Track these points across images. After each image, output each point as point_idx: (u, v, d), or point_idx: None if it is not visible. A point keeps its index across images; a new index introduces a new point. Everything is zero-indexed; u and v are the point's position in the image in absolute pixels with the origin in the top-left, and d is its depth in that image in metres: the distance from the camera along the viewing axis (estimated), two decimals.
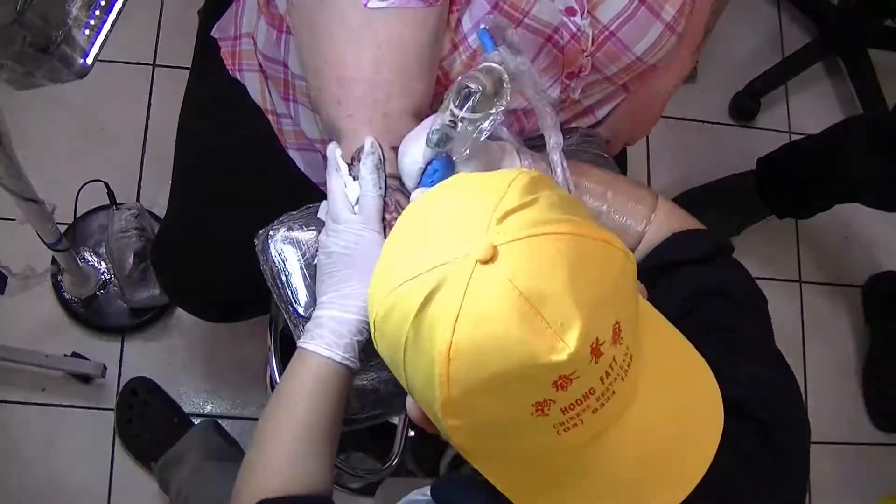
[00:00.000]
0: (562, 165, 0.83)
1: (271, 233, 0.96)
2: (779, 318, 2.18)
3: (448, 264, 0.58)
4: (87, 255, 1.70)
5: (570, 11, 0.92)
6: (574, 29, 0.93)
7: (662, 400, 0.63)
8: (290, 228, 0.96)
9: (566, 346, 0.55)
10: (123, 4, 0.94)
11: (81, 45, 0.92)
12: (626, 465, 0.62)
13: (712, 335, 0.76)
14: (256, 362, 1.61)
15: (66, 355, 1.64)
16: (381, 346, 0.64)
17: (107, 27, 0.94)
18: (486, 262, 0.57)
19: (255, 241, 0.97)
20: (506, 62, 0.76)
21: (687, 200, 1.95)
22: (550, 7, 0.90)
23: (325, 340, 0.81)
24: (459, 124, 0.75)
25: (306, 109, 1.09)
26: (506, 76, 0.75)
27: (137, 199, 1.76)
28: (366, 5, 0.81)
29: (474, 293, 0.57)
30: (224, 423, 1.67)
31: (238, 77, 1.14)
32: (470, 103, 0.74)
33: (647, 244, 0.87)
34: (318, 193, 1.11)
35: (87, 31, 0.93)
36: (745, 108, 2.09)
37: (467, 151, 0.77)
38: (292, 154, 1.14)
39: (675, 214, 0.88)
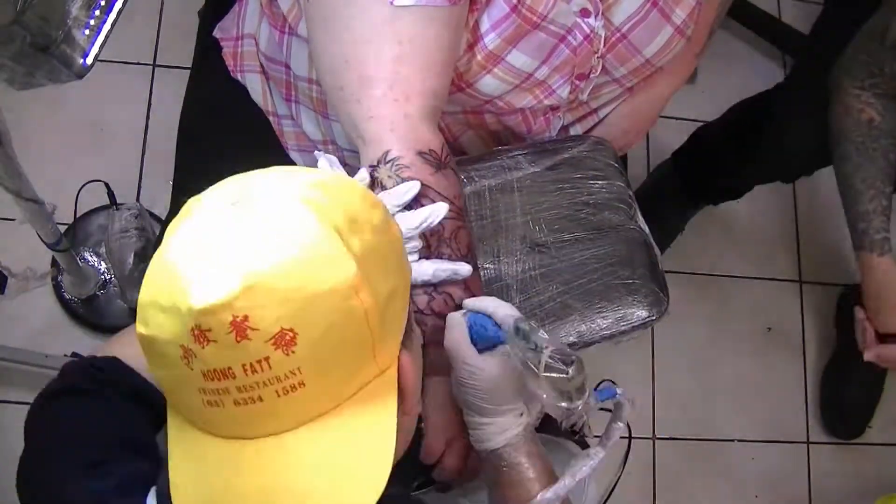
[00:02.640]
0: (570, 481, 0.79)
1: None
2: (779, 317, 2.18)
3: (212, 193, 0.62)
4: (87, 255, 1.70)
5: (584, 13, 0.92)
6: (587, 30, 0.93)
7: (313, 462, 0.60)
8: None
9: (209, 296, 0.55)
10: (123, 4, 0.94)
11: (81, 45, 0.92)
12: (260, 487, 0.59)
13: None
14: None
15: (65, 355, 1.64)
16: None
17: (107, 27, 0.94)
18: (233, 203, 0.59)
19: None
20: (585, 409, 0.73)
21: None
22: (566, 9, 0.91)
23: None
24: (531, 352, 0.72)
25: (308, 110, 1.09)
26: (579, 407, 0.72)
27: (137, 199, 1.76)
28: (391, 3, 0.80)
29: (204, 220, 0.59)
30: None
31: (239, 78, 1.14)
32: (555, 369, 0.70)
33: None
34: None
35: (87, 31, 0.93)
36: None
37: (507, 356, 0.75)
38: (293, 155, 1.14)
39: None
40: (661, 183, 1.91)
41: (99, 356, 0.80)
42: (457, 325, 0.79)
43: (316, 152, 0.88)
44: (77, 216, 1.66)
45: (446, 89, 0.89)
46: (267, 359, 0.56)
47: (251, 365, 0.56)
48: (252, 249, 0.56)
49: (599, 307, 1.00)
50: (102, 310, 1.69)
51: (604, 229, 1.02)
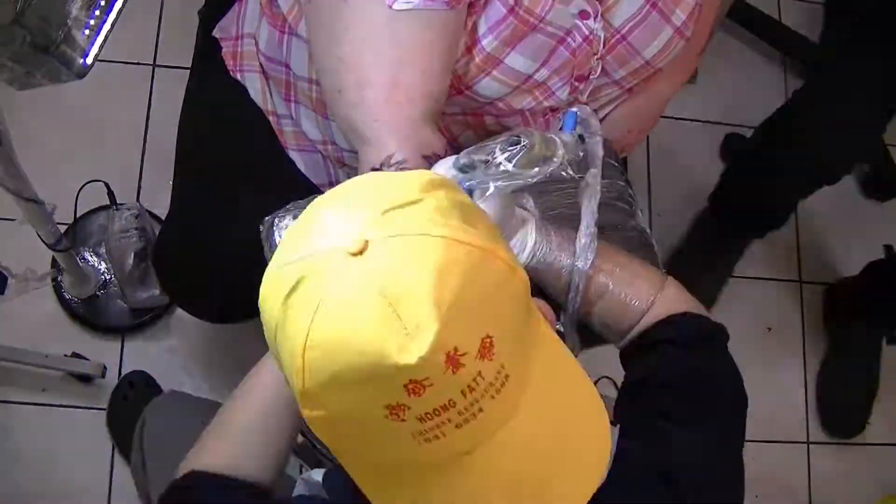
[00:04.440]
0: (587, 252, 0.83)
1: (276, 220, 0.96)
2: (779, 317, 2.18)
3: (321, 252, 0.58)
4: (87, 255, 1.70)
5: (583, 15, 0.92)
6: (587, 32, 0.93)
7: (543, 427, 0.61)
8: (295, 217, 0.96)
9: (418, 349, 0.54)
10: (123, 4, 0.94)
11: (81, 45, 0.92)
12: (496, 487, 0.60)
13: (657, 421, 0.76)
14: (257, 362, 1.61)
15: (65, 355, 1.64)
16: (264, 326, 0.64)
17: (107, 27, 0.94)
18: (355, 255, 0.56)
19: (261, 228, 0.97)
20: (570, 148, 0.76)
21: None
22: (564, 11, 0.91)
23: None
24: (493, 166, 0.74)
25: (307, 110, 1.09)
26: (560, 156, 0.74)
27: (137, 199, 1.76)
28: (390, 6, 0.80)
29: (338, 285, 0.56)
30: None
31: (239, 78, 1.14)
32: (513, 152, 0.73)
33: (647, 322, 0.86)
34: (318, 194, 1.11)
35: (87, 31, 0.93)
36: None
37: (488, 192, 0.76)
38: (292, 155, 1.14)
39: (680, 298, 0.87)
40: (702, 230, 1.94)
41: (179, 477, 0.81)
42: None
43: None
44: (77, 216, 1.66)
45: (445, 92, 0.89)
46: (479, 373, 0.57)
47: (468, 387, 0.56)
48: (423, 285, 0.55)
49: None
50: (102, 310, 1.69)
51: (604, 229, 1.02)
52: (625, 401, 0.81)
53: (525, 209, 0.83)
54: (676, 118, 2.07)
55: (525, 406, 0.60)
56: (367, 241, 0.57)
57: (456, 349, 0.55)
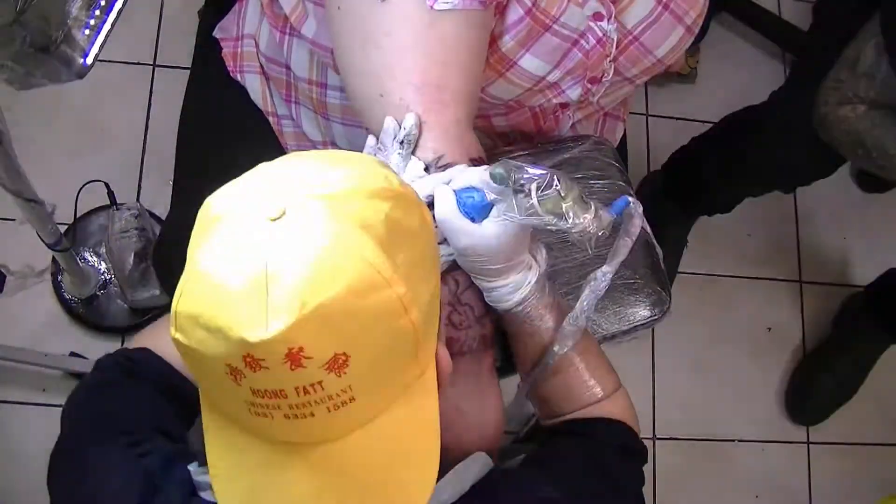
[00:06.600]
0: (569, 339, 0.82)
1: None
2: (779, 318, 2.17)
3: (247, 205, 0.60)
4: (87, 255, 1.70)
5: (597, 17, 0.92)
6: (600, 34, 0.93)
7: (367, 463, 0.62)
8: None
9: (264, 331, 0.55)
10: (123, 4, 0.94)
11: (81, 45, 0.92)
12: (301, 493, 0.62)
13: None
14: None
15: (65, 355, 1.64)
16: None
17: (107, 27, 0.94)
18: (272, 220, 0.58)
19: None
20: (601, 223, 0.74)
21: None
22: (579, 13, 0.91)
23: None
24: (519, 193, 0.72)
25: (308, 111, 1.09)
26: (585, 222, 0.73)
27: (137, 199, 1.76)
28: (431, 7, 0.79)
29: (242, 235, 0.58)
30: None
31: (238, 78, 1.14)
32: (545, 193, 0.71)
33: (583, 414, 0.86)
34: None
35: (87, 31, 0.93)
36: None
37: (505, 217, 0.74)
38: None
39: (625, 408, 0.86)
40: (653, 199, 1.91)
41: (132, 347, 0.82)
42: (446, 196, 0.77)
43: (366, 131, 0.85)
44: (77, 216, 1.66)
45: (479, 94, 0.88)
46: (320, 382, 0.57)
47: (304, 388, 0.57)
48: (302, 279, 0.56)
49: (601, 307, 1.00)
50: (102, 310, 1.69)
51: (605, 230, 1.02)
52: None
53: (535, 258, 0.81)
54: (677, 118, 2.07)
55: (362, 435, 0.61)
56: (284, 212, 0.58)
57: (301, 349, 0.55)
